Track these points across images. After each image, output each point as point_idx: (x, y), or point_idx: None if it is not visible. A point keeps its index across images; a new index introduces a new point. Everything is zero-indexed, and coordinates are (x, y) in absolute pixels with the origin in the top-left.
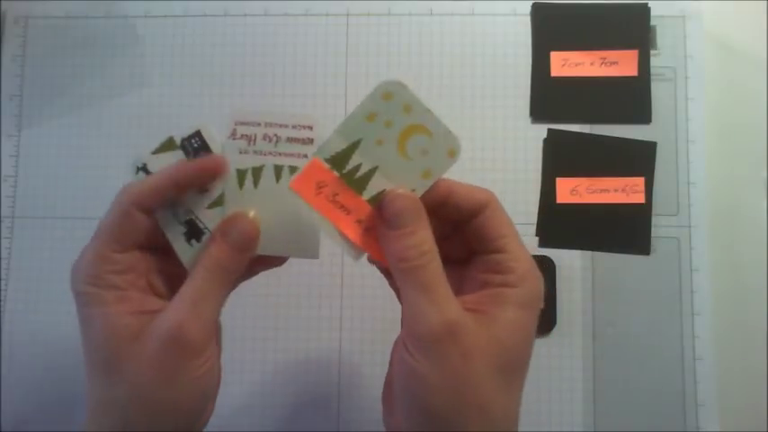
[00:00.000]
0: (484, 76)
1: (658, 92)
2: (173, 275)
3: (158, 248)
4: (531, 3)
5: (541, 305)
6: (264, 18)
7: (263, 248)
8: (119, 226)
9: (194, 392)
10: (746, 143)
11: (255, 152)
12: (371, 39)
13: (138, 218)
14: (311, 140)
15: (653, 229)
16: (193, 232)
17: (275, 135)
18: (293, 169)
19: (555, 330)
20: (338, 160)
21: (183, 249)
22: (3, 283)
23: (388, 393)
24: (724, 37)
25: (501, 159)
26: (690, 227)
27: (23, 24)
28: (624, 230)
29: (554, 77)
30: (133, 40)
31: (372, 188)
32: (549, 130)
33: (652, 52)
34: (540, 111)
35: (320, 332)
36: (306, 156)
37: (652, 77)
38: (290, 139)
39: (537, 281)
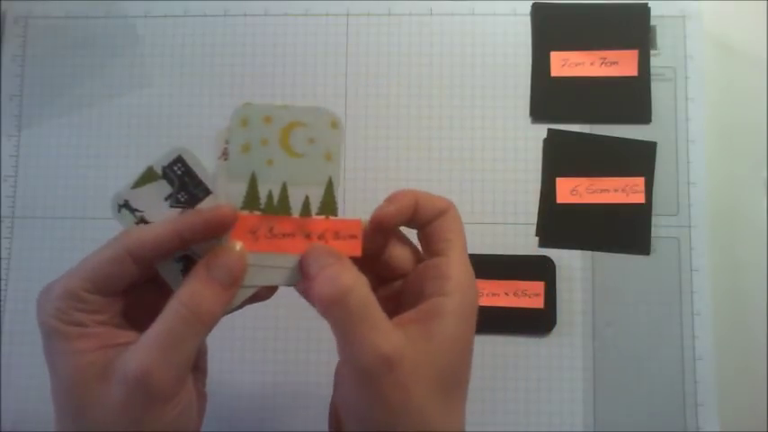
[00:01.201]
0: (484, 76)
1: (658, 92)
2: (152, 304)
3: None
4: (531, 3)
5: (475, 317)
6: (264, 18)
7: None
8: (104, 271)
9: None
10: (746, 143)
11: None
12: (371, 39)
13: (129, 268)
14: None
15: (653, 229)
16: (191, 267)
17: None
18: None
19: (555, 330)
20: (250, 200)
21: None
22: (3, 283)
23: (334, 412)
24: (724, 37)
25: (501, 159)
26: (690, 227)
27: (23, 24)
28: (624, 230)
29: (554, 77)
30: (133, 40)
31: (296, 201)
32: (549, 130)
33: (652, 52)
34: (540, 111)
35: (320, 332)
36: None
37: (652, 77)
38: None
39: (472, 291)
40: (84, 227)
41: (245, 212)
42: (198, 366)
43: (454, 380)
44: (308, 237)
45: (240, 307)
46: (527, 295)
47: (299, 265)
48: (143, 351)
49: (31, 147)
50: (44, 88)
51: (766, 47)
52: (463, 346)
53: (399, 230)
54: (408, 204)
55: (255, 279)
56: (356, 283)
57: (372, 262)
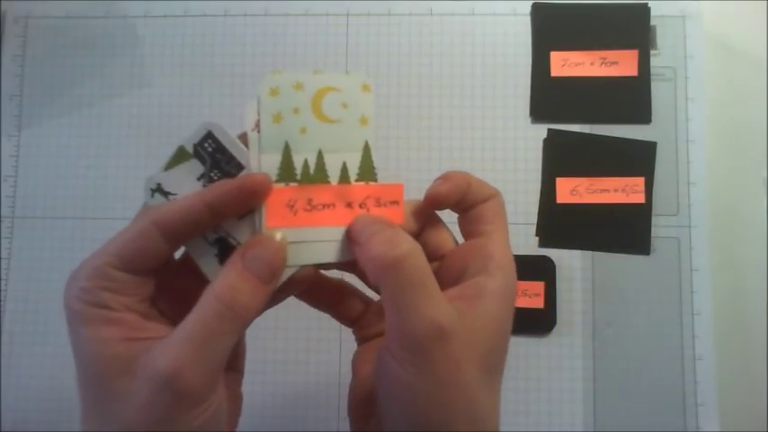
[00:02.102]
0: (484, 76)
1: (658, 92)
2: (186, 293)
3: (170, 267)
4: (531, 3)
5: (514, 301)
6: (264, 18)
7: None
8: (132, 246)
9: None
10: (746, 143)
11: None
12: (371, 39)
13: (157, 242)
14: None
15: (653, 229)
16: (226, 252)
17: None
18: None
19: (555, 330)
20: (285, 172)
21: (216, 274)
22: (3, 283)
23: (358, 404)
24: (724, 37)
25: (501, 159)
26: (690, 227)
27: (23, 24)
28: (624, 230)
29: (554, 77)
30: (133, 40)
31: (333, 169)
32: (549, 130)
33: (652, 52)
34: (540, 111)
35: (320, 332)
36: None
37: (652, 77)
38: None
39: (514, 275)
40: (84, 227)
41: (281, 185)
42: (235, 367)
43: (495, 361)
44: (349, 206)
45: (283, 299)
46: (527, 295)
47: (345, 238)
48: (174, 348)
49: (31, 147)
50: (44, 88)
51: (766, 47)
52: (505, 329)
53: (435, 213)
54: (462, 185)
55: (298, 258)
56: (414, 249)
57: None
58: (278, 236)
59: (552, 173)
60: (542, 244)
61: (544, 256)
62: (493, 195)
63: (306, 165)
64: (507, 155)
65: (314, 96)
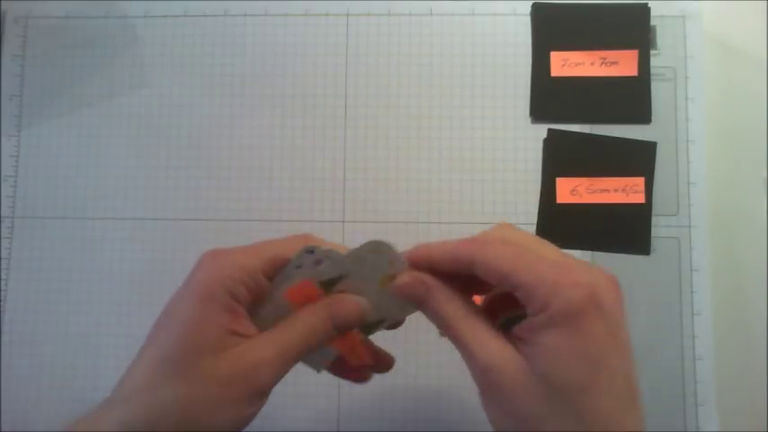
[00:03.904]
0: (484, 76)
1: (658, 92)
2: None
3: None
4: (531, 3)
5: (596, 314)
6: (264, 18)
7: None
8: (283, 259)
9: (233, 426)
10: (746, 143)
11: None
12: (371, 39)
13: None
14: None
15: (653, 229)
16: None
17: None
18: None
19: None
20: (326, 284)
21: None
22: (3, 283)
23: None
24: (724, 37)
25: (501, 159)
26: (690, 227)
27: (23, 24)
28: (624, 230)
29: (554, 77)
30: (133, 40)
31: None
32: (549, 130)
33: (652, 52)
34: (540, 111)
35: None
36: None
37: (652, 77)
38: None
39: (563, 299)
40: (84, 227)
41: (316, 287)
42: None
43: (571, 383)
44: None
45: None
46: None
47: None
48: (262, 348)
49: (31, 147)
50: (44, 88)
51: (766, 47)
52: (574, 351)
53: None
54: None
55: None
56: (457, 309)
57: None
58: (362, 300)
59: (552, 173)
60: None
61: None
62: (470, 260)
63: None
64: (507, 155)
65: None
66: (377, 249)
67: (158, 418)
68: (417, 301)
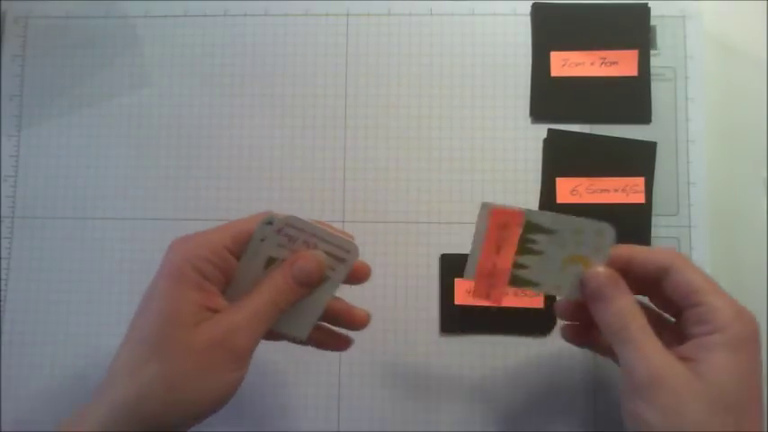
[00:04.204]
0: (484, 76)
1: (658, 92)
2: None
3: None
4: (531, 3)
5: (758, 344)
6: (264, 18)
7: None
8: (246, 233)
9: (218, 394)
10: (746, 143)
11: (291, 250)
12: (371, 39)
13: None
14: (344, 260)
15: (653, 229)
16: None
17: (314, 244)
18: None
19: (555, 330)
20: (531, 227)
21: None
22: (3, 283)
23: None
24: (724, 37)
25: (501, 159)
26: (690, 227)
27: (23, 24)
28: (624, 230)
29: (554, 77)
30: (133, 40)
31: (526, 260)
32: (549, 130)
33: (652, 52)
34: (540, 111)
35: None
36: (333, 269)
37: (652, 77)
38: (326, 252)
39: (742, 325)
40: (84, 227)
41: (522, 220)
42: None
43: (734, 405)
44: (491, 271)
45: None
46: (527, 295)
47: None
48: (233, 315)
49: (31, 147)
50: (44, 88)
51: (766, 47)
52: (741, 375)
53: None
54: (618, 261)
55: None
56: (635, 314)
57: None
58: (321, 255)
59: (552, 173)
60: None
61: None
62: (669, 265)
63: (533, 242)
64: (507, 155)
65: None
66: (599, 231)
67: (145, 396)
68: (601, 295)
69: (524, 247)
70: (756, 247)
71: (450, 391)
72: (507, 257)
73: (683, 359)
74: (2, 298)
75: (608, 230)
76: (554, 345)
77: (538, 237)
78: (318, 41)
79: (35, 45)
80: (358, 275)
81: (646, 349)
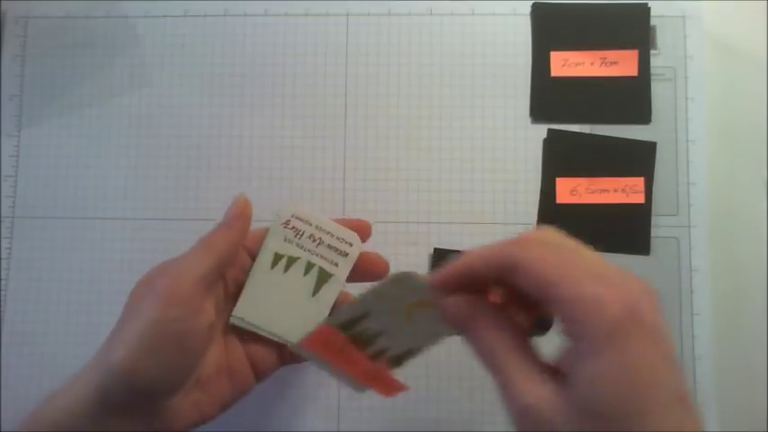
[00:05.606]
0: (484, 76)
1: (658, 92)
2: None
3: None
4: (531, 3)
5: (630, 331)
6: (264, 18)
7: (258, 319)
8: (233, 255)
9: (183, 340)
10: (746, 143)
11: (298, 245)
12: (371, 39)
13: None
14: (347, 254)
15: (653, 229)
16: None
17: (320, 238)
18: (322, 271)
19: (554, 330)
20: (346, 325)
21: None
22: (3, 283)
23: None
24: (724, 37)
25: (501, 159)
26: (690, 227)
27: (23, 24)
28: (624, 230)
29: (554, 77)
30: (133, 40)
31: (377, 346)
32: (549, 130)
33: (652, 52)
34: (540, 111)
35: None
36: (337, 264)
37: (652, 77)
38: (330, 246)
39: (602, 319)
40: (84, 227)
41: (336, 330)
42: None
43: (618, 412)
44: (364, 371)
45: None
46: None
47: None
48: (171, 268)
49: (31, 147)
50: (44, 88)
51: (766, 47)
52: (613, 379)
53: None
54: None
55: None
56: (497, 342)
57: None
58: (243, 197)
59: (552, 173)
60: None
61: None
62: (514, 265)
63: (363, 331)
64: (507, 155)
65: (415, 302)
66: (398, 281)
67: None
68: (460, 327)
69: (364, 340)
70: (756, 247)
71: (450, 391)
72: (362, 357)
73: (559, 373)
74: (2, 298)
75: (401, 276)
76: (554, 345)
77: (364, 323)
78: (318, 41)
79: (35, 45)
80: (377, 270)
81: (512, 380)
